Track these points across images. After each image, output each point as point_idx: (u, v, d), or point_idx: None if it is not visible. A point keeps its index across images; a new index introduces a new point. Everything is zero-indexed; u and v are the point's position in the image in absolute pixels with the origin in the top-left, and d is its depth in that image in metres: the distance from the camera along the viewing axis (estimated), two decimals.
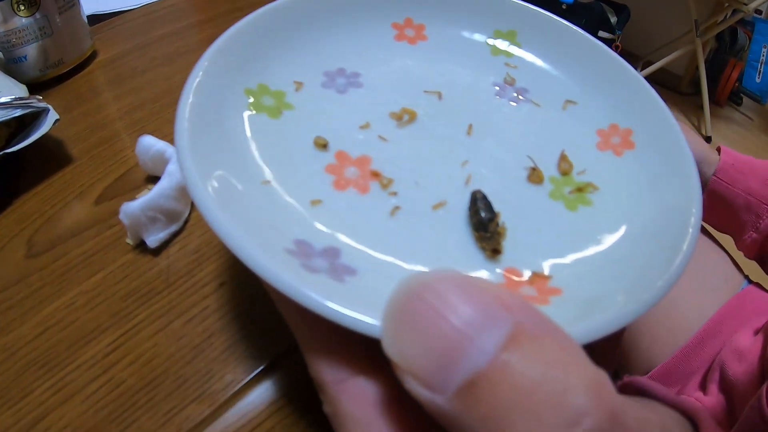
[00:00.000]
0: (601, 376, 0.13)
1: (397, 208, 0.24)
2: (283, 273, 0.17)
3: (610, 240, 0.25)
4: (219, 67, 0.25)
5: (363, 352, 0.17)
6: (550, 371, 0.12)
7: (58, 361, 0.32)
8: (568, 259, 0.24)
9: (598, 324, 0.18)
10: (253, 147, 0.25)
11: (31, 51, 0.50)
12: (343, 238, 0.22)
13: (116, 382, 0.30)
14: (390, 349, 0.14)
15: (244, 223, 0.19)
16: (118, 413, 0.29)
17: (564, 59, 0.33)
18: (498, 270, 0.23)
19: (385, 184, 0.25)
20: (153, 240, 0.35)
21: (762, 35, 1.91)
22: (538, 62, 0.34)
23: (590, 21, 1.85)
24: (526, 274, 0.23)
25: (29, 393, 0.30)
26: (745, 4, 1.62)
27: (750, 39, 1.92)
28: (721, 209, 0.56)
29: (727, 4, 1.73)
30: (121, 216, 0.35)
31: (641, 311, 0.19)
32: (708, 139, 1.71)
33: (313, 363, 0.18)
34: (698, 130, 1.85)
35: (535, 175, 0.27)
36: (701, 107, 1.83)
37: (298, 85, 0.29)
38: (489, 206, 0.24)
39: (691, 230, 0.23)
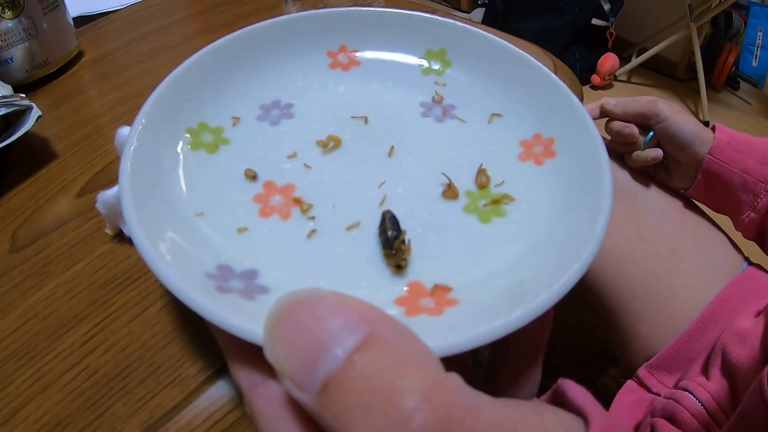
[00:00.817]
0: (442, 380, 0.14)
1: (313, 231, 0.26)
2: (194, 294, 0.19)
3: (511, 251, 0.25)
4: (161, 110, 0.27)
5: None
6: (387, 373, 0.13)
7: (38, 351, 0.32)
8: (472, 270, 0.25)
9: (473, 335, 0.19)
10: (190, 183, 0.27)
11: (17, 53, 0.51)
12: (262, 261, 0.24)
13: (92, 370, 0.30)
14: (269, 356, 0.16)
15: (173, 252, 0.21)
16: (93, 401, 0.29)
17: (492, 73, 0.33)
18: (403, 283, 0.24)
19: (305, 209, 0.26)
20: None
21: (757, 19, 1.86)
22: (468, 78, 0.34)
23: (583, 8, 1.82)
24: (430, 286, 0.24)
25: (9, 384, 0.30)
26: None
27: (745, 23, 1.88)
28: (718, 189, 0.55)
29: None
30: (98, 205, 0.35)
31: (514, 327, 0.19)
32: (706, 124, 1.70)
33: (232, 369, 0.20)
34: (696, 115, 1.81)
35: (450, 191, 0.28)
36: (698, 92, 1.79)
37: (235, 120, 0.30)
38: (396, 224, 0.25)
39: (592, 243, 0.22)
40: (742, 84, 1.97)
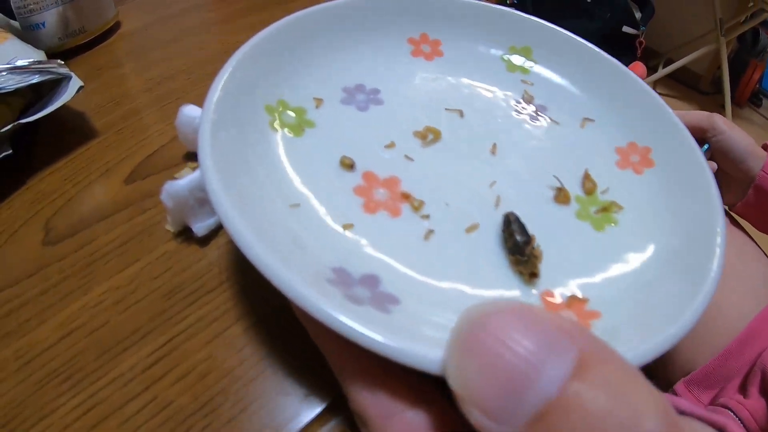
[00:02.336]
0: (665, 398, 0.13)
1: (430, 231, 0.24)
2: (330, 308, 0.16)
3: (637, 261, 0.25)
4: (237, 81, 0.25)
5: (410, 384, 0.17)
6: (620, 397, 0.12)
7: (87, 373, 0.25)
8: (601, 280, 0.24)
9: (647, 349, 0.18)
10: (279, 167, 0.24)
11: (50, 17, 0.44)
12: (380, 264, 0.22)
13: (162, 403, 0.24)
14: (455, 382, 0.14)
15: (281, 253, 0.18)
16: None
17: (579, 76, 0.33)
18: (534, 293, 0.23)
19: (416, 206, 0.25)
20: (201, 227, 0.29)
21: None
22: (555, 78, 0.34)
23: (615, 15, 1.82)
24: (562, 297, 0.23)
25: (51, 412, 0.24)
26: None
27: None
28: (766, 205, 0.56)
29: (751, 4, 1.70)
30: (163, 197, 0.28)
31: (687, 329, 0.19)
32: None
33: (355, 396, 0.17)
34: None
35: (561, 195, 0.27)
36: (722, 107, 1.80)
37: (318, 102, 0.28)
38: (523, 229, 0.24)
39: (715, 263, 0.23)
40: (765, 101, 2.01)
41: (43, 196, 0.34)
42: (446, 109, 0.30)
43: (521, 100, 0.32)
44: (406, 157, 0.27)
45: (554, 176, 0.28)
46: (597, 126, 0.31)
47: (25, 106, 0.38)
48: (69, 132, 0.38)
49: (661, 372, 0.55)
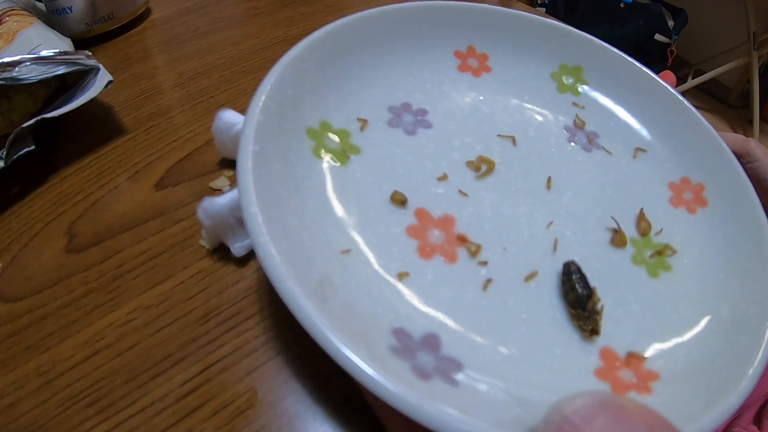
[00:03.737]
0: None
1: (489, 280, 0.23)
2: (397, 387, 0.15)
3: (694, 318, 0.24)
4: (278, 102, 0.23)
5: None
6: None
7: (114, 398, 0.24)
8: (656, 335, 0.23)
9: (707, 422, 0.18)
10: (329, 205, 0.23)
11: (77, 1, 0.42)
12: (440, 321, 0.21)
13: None
14: None
15: (337, 317, 0.17)
16: None
17: (632, 100, 0.32)
18: (595, 349, 0.22)
19: (473, 251, 0.23)
20: (240, 247, 0.27)
21: None
22: (607, 103, 0.32)
23: (647, 22, 1.79)
24: (622, 354, 0.22)
25: None
26: None
27: None
28: None
29: None
30: (200, 214, 0.27)
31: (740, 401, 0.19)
32: None
33: None
34: None
35: (618, 238, 0.26)
36: (750, 122, 1.78)
37: (363, 123, 0.26)
38: (585, 281, 0.23)
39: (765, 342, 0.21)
40: None
41: (66, 198, 0.32)
42: (498, 135, 0.29)
43: (573, 126, 0.31)
44: (461, 192, 0.26)
45: (612, 217, 0.27)
46: (649, 157, 0.30)
47: (50, 96, 0.36)
48: (95, 127, 0.36)
49: None
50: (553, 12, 1.99)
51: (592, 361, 0.22)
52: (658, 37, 1.81)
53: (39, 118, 0.32)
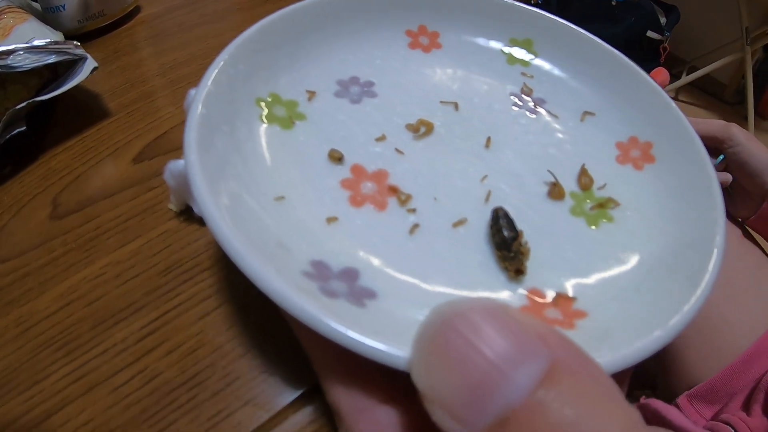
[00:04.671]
0: (635, 415, 0.13)
1: (416, 225, 0.24)
2: (302, 300, 0.16)
3: (632, 260, 0.24)
4: (229, 76, 0.24)
5: (383, 380, 0.17)
6: (587, 411, 0.12)
7: (81, 342, 0.26)
8: (592, 279, 0.23)
9: (628, 354, 0.18)
10: (266, 160, 0.24)
11: (70, 0, 0.45)
12: (362, 258, 0.22)
13: (150, 374, 0.25)
14: (419, 379, 0.13)
15: (258, 244, 0.18)
16: (152, 411, 0.23)
17: (581, 68, 0.32)
18: (521, 291, 0.22)
19: (403, 200, 0.25)
20: None
21: None
22: (555, 71, 0.33)
23: (639, 19, 1.78)
24: (550, 295, 0.22)
25: (44, 378, 0.25)
26: None
27: None
28: None
29: None
30: (166, 176, 0.29)
31: (673, 336, 0.19)
32: None
33: (329, 390, 0.17)
34: None
35: (556, 191, 0.27)
36: (745, 118, 1.76)
37: (311, 95, 0.28)
38: (511, 224, 0.24)
39: (712, 263, 0.22)
40: None
41: (53, 173, 0.35)
42: (441, 101, 0.30)
43: (520, 93, 0.32)
44: (397, 150, 0.27)
45: (549, 171, 0.27)
46: (598, 120, 0.31)
47: (42, 86, 0.39)
48: (82, 112, 0.39)
49: (664, 383, 0.55)
50: (546, 9, 2.01)
51: (517, 300, 0.22)
52: (650, 34, 1.80)
53: (31, 101, 0.35)
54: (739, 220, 0.61)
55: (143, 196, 0.32)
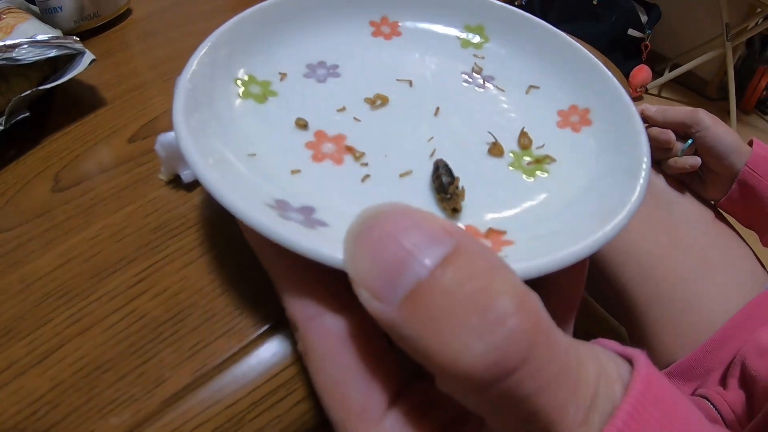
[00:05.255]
0: (529, 292, 0.14)
1: (367, 176, 0.27)
2: (259, 215, 0.19)
3: (559, 200, 0.27)
4: (212, 58, 0.28)
5: (330, 292, 0.19)
6: (480, 280, 0.14)
7: (79, 291, 0.29)
8: (521, 215, 0.26)
9: (536, 264, 0.20)
10: (241, 126, 0.28)
11: (67, 2, 0.49)
12: (318, 199, 0.25)
13: (139, 314, 0.28)
14: (349, 268, 0.16)
15: (230, 183, 0.21)
16: (139, 345, 0.27)
17: (528, 49, 0.36)
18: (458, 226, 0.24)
19: (357, 156, 0.28)
20: (188, 174, 0.33)
21: None
22: (503, 51, 0.36)
23: (620, 18, 1.82)
24: (483, 230, 0.25)
25: (45, 324, 0.28)
26: None
27: None
28: (751, 201, 0.57)
29: (759, 10, 1.69)
30: (157, 147, 0.32)
31: (581, 256, 0.21)
32: None
33: (287, 302, 0.19)
34: None
35: (495, 149, 0.29)
36: (727, 113, 1.79)
37: (282, 76, 0.32)
38: (449, 171, 0.26)
39: (638, 187, 0.24)
40: None
41: (53, 154, 0.38)
42: (397, 79, 0.33)
43: (471, 72, 0.35)
44: (355, 118, 0.30)
45: (489, 132, 0.30)
46: (541, 92, 0.34)
47: (42, 79, 0.43)
48: (80, 102, 0.42)
49: None
50: (529, 10, 2.06)
51: None
52: (631, 32, 1.84)
53: (34, 89, 0.39)
54: (712, 202, 0.62)
55: (137, 170, 0.36)
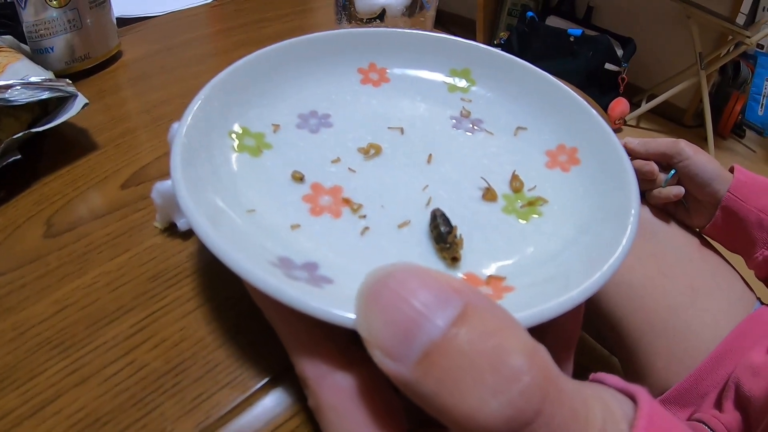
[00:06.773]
0: (537, 346, 0.15)
1: (366, 228, 0.28)
2: (266, 277, 0.20)
3: (554, 242, 0.28)
4: (205, 112, 0.29)
5: (339, 351, 0.20)
6: (492, 338, 0.14)
7: (75, 341, 0.29)
8: (519, 261, 0.27)
9: (539, 311, 0.21)
10: (239, 181, 0.28)
11: (58, 43, 0.50)
12: (320, 255, 0.25)
13: (138, 365, 0.28)
14: (361, 329, 0.16)
15: (234, 242, 0.22)
16: (139, 397, 0.27)
17: (514, 90, 0.37)
18: (458, 275, 0.25)
19: (355, 208, 0.29)
20: (184, 222, 0.34)
21: (764, 68, 1.95)
22: (490, 95, 0.37)
23: (597, 53, 1.89)
24: (483, 277, 0.25)
25: (39, 374, 0.28)
26: (748, 38, 1.67)
27: (753, 72, 1.98)
28: (734, 226, 0.58)
29: (730, 38, 1.77)
30: (153, 195, 0.33)
31: (578, 301, 0.21)
32: None
33: (296, 361, 0.20)
34: None
35: (489, 194, 0.30)
36: (705, 139, 1.85)
37: (276, 127, 0.33)
38: (447, 221, 0.27)
39: (629, 227, 0.25)
40: (748, 132, 2.05)
41: (45, 198, 0.38)
42: (389, 127, 0.34)
43: (459, 116, 0.36)
44: (350, 169, 0.31)
45: (482, 177, 0.31)
46: (529, 133, 0.35)
47: (33, 120, 0.43)
48: (72, 145, 0.43)
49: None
50: (507, 48, 2.13)
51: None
52: (608, 66, 1.90)
53: (26, 131, 0.39)
54: (697, 230, 0.64)
55: (131, 217, 0.36)
